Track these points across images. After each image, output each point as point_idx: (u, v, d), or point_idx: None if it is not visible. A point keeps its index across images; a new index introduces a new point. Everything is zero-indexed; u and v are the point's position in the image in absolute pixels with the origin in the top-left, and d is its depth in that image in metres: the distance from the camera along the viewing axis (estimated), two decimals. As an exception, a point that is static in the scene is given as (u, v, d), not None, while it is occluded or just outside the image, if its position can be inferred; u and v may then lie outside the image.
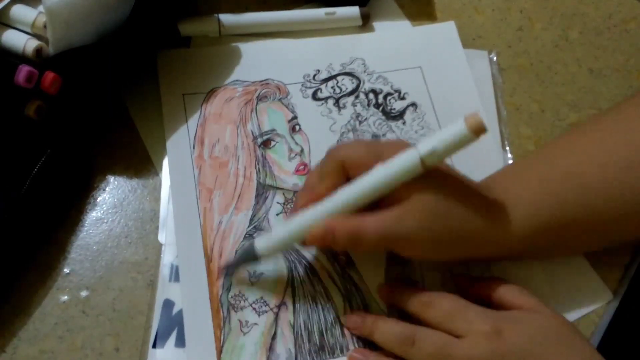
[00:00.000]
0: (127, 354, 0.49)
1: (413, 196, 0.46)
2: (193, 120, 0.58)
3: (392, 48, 0.63)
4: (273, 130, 0.58)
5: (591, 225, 0.49)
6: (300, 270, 0.52)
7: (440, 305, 0.46)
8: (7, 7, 0.53)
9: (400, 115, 0.59)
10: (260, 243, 0.49)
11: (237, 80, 0.60)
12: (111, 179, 0.57)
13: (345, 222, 0.46)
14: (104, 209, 0.55)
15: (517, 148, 0.59)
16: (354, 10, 0.64)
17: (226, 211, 0.54)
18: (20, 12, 0.53)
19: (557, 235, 0.49)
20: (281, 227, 0.49)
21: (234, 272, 0.51)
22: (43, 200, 0.53)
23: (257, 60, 0.62)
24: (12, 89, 0.49)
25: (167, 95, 0.59)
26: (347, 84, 0.61)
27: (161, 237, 0.54)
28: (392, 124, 0.59)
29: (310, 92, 0.60)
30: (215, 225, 0.53)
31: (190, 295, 0.50)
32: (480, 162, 0.55)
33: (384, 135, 0.58)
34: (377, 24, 0.65)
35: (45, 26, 0.52)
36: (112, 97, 0.59)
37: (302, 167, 0.56)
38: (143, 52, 0.60)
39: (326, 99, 0.60)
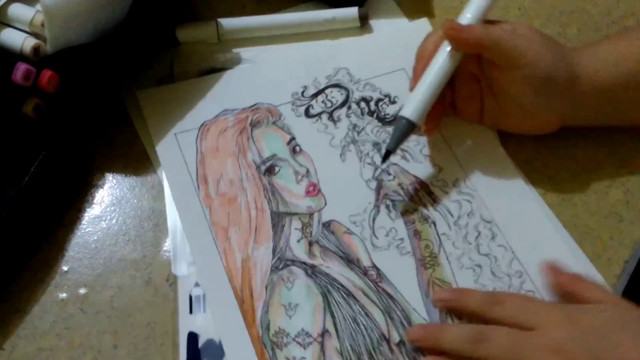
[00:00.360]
0: (125, 351, 0.49)
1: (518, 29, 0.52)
2: (191, 159, 0.57)
3: (373, 53, 0.63)
4: (274, 155, 0.57)
5: None
6: (335, 294, 0.51)
7: (511, 301, 0.47)
8: (5, 5, 0.53)
9: (395, 119, 0.59)
10: (409, 111, 0.52)
11: (226, 110, 0.59)
12: (109, 177, 0.57)
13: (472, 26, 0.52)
14: (102, 207, 0.55)
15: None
16: (352, 12, 0.64)
17: (246, 247, 0.52)
18: (18, 10, 0.53)
19: (629, 94, 0.53)
20: (419, 89, 0.52)
21: (396, 150, 0.53)
22: (41, 199, 0.53)
23: (242, 86, 0.61)
24: (9, 87, 0.50)
25: (159, 137, 0.58)
26: (337, 95, 0.60)
27: (176, 269, 0.53)
28: (390, 129, 0.59)
29: (302, 110, 0.60)
30: (238, 264, 0.52)
31: (230, 341, 0.49)
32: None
33: (383, 142, 0.58)
34: (375, 23, 0.65)
35: (43, 24, 0.52)
36: (109, 95, 0.59)
37: (311, 188, 0.55)
38: (141, 51, 0.61)
39: (319, 114, 0.59)
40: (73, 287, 0.52)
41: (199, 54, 0.63)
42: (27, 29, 0.53)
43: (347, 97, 0.60)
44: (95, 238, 0.54)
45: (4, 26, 0.53)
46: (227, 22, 0.63)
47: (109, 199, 0.56)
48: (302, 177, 0.56)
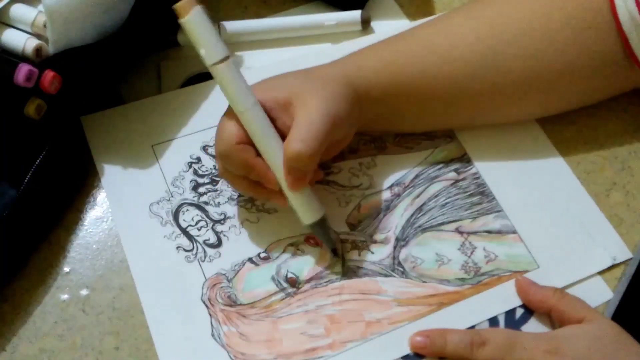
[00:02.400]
0: (126, 352, 0.49)
1: (290, 94, 0.49)
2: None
3: None
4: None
5: (435, 90, 0.53)
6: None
7: (495, 340, 0.47)
8: (7, 6, 0.53)
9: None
10: (309, 218, 0.51)
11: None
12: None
13: (289, 155, 0.47)
14: (104, 208, 0.55)
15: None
16: (355, 16, 0.64)
17: None
18: (20, 11, 0.53)
19: (407, 96, 0.53)
20: (290, 199, 0.50)
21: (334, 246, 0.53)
22: (43, 200, 0.53)
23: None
24: (12, 88, 0.49)
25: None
26: None
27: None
28: None
29: None
30: None
31: None
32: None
33: None
34: (376, 24, 0.65)
35: (45, 25, 0.52)
36: (111, 96, 0.59)
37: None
38: (142, 52, 0.61)
39: None
40: (74, 288, 0.52)
41: (190, 57, 0.63)
42: (29, 30, 0.53)
43: None
44: (97, 239, 0.54)
45: (6, 27, 0.53)
46: (230, 25, 0.63)
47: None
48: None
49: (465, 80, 0.53)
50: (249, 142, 0.49)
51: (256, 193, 0.52)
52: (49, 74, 0.50)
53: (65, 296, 0.52)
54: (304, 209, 0.50)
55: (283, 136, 0.49)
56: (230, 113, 0.50)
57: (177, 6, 0.47)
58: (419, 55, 0.53)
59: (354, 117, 0.51)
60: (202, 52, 0.48)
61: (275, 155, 0.49)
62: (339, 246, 0.53)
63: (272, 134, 0.49)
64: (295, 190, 0.49)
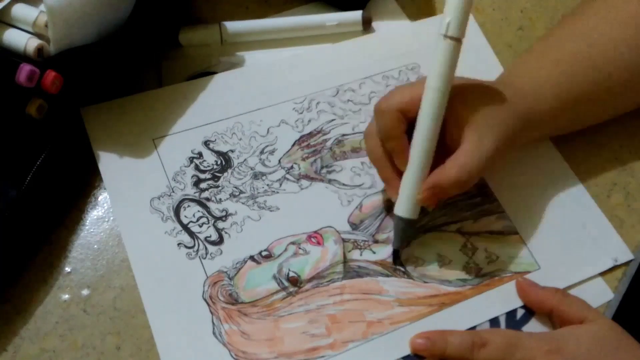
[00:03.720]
0: (128, 352, 0.49)
1: (472, 120, 0.49)
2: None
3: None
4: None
5: (599, 97, 0.54)
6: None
7: (496, 341, 0.47)
8: (9, 6, 0.53)
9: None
10: (403, 209, 0.50)
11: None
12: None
13: (444, 171, 0.48)
14: (105, 207, 0.55)
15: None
16: (356, 16, 0.64)
17: None
18: (22, 11, 0.53)
19: (572, 108, 0.54)
20: (408, 183, 0.50)
21: (400, 247, 0.53)
22: (44, 199, 0.53)
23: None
24: (13, 88, 0.49)
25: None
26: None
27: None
28: None
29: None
30: None
31: None
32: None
33: None
34: (377, 25, 0.65)
35: (46, 25, 0.52)
36: (112, 96, 0.59)
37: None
38: (144, 52, 0.61)
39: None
40: (76, 288, 0.52)
41: (191, 57, 0.63)
42: (31, 30, 0.53)
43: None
44: (98, 239, 0.54)
45: (8, 27, 0.53)
46: (231, 25, 0.63)
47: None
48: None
49: (619, 83, 0.54)
50: (408, 117, 0.49)
51: (379, 164, 0.52)
52: (50, 74, 0.50)
53: (66, 296, 0.52)
54: (410, 201, 0.50)
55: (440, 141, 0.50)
56: (416, 86, 0.50)
57: None
58: (583, 71, 0.54)
59: (515, 146, 0.52)
60: (447, 20, 0.47)
61: (424, 148, 0.49)
62: (401, 253, 0.53)
63: (436, 128, 0.49)
64: (424, 204, 0.50)
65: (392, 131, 0.50)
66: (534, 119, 0.52)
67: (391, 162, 0.51)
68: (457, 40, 0.48)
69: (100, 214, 0.55)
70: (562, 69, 0.54)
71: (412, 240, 0.54)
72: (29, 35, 0.52)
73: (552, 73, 0.54)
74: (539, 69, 0.54)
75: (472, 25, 0.65)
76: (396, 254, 0.53)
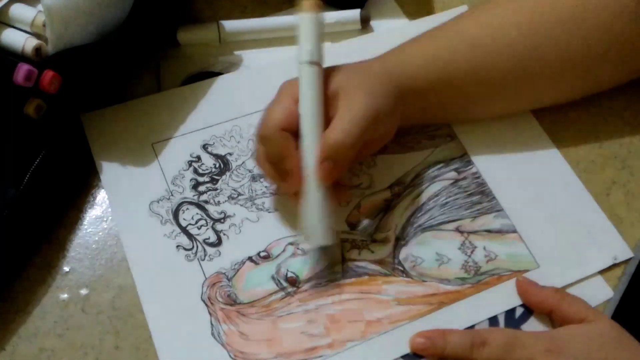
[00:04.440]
0: (126, 352, 0.49)
1: (339, 87, 0.50)
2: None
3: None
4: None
5: (479, 82, 0.54)
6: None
7: (495, 340, 0.47)
8: (7, 6, 0.53)
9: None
10: (320, 238, 0.50)
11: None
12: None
13: (327, 144, 0.48)
14: (104, 207, 0.55)
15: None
16: (354, 15, 0.64)
17: None
18: (20, 11, 0.53)
19: (447, 90, 0.54)
20: (314, 211, 0.49)
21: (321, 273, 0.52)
22: (42, 199, 0.53)
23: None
24: (11, 87, 0.49)
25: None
26: None
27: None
28: None
29: None
30: None
31: None
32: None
33: None
34: (375, 24, 0.65)
35: (44, 25, 0.52)
36: (111, 96, 0.59)
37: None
38: (142, 51, 0.60)
39: None
40: (74, 287, 0.52)
41: (190, 56, 0.63)
42: (29, 30, 0.53)
43: None
44: (97, 238, 0.54)
45: (6, 26, 0.53)
46: (229, 25, 0.63)
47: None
48: None
49: (508, 70, 0.54)
50: (292, 131, 0.49)
51: (280, 183, 0.52)
52: (48, 74, 0.50)
53: (64, 296, 0.52)
54: (321, 226, 0.50)
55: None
56: (280, 100, 0.51)
57: (309, 2, 0.50)
58: (463, 51, 0.54)
59: (396, 113, 0.52)
60: (304, 48, 0.50)
61: (314, 140, 0.49)
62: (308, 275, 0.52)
63: (319, 114, 0.49)
64: (325, 181, 0.49)
65: (283, 152, 0.49)
66: (402, 89, 0.52)
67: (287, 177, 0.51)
68: (316, 64, 0.50)
69: (98, 214, 0.55)
70: (436, 44, 0.54)
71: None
72: (27, 35, 0.52)
73: (425, 49, 0.54)
74: (414, 45, 0.55)
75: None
76: (291, 281, 0.52)
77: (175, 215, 0.55)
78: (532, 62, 0.54)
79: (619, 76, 0.57)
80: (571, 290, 0.52)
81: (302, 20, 0.50)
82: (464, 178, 0.57)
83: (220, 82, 0.61)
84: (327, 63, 0.61)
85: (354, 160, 0.53)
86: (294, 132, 0.50)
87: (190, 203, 0.55)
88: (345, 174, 0.51)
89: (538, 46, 0.53)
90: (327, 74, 0.51)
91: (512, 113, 0.58)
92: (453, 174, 0.57)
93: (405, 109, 0.53)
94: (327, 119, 0.50)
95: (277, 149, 0.49)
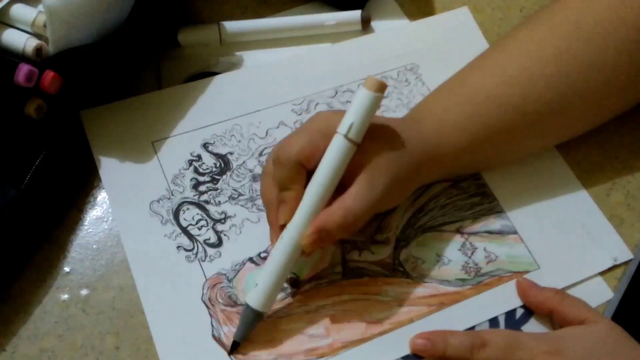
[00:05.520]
0: (127, 352, 0.49)
1: (366, 164, 0.48)
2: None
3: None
4: None
5: (511, 137, 0.53)
6: None
7: (495, 342, 0.47)
8: (7, 6, 0.53)
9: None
10: (255, 301, 0.48)
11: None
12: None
13: (330, 214, 0.47)
14: (104, 207, 0.55)
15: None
16: (355, 15, 0.64)
17: None
18: (20, 11, 0.53)
19: (482, 148, 0.53)
20: (267, 271, 0.48)
21: (243, 339, 0.49)
22: (42, 199, 0.53)
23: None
24: (12, 88, 0.49)
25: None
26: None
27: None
28: None
29: None
30: None
31: None
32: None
33: None
34: (376, 24, 0.65)
35: (45, 25, 0.52)
36: (111, 97, 0.59)
37: None
38: (143, 52, 0.60)
39: None
40: (75, 288, 0.52)
41: (190, 57, 0.63)
42: (29, 30, 0.53)
43: None
44: (97, 239, 0.54)
45: (6, 27, 0.53)
46: (230, 25, 0.63)
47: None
48: None
49: (535, 122, 0.53)
50: (307, 168, 0.48)
51: (269, 206, 0.51)
52: (49, 74, 0.50)
53: (65, 296, 0.52)
54: (266, 293, 0.48)
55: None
56: (311, 133, 0.48)
57: (374, 80, 0.47)
58: (493, 113, 0.52)
59: (412, 187, 0.53)
60: (349, 122, 0.47)
61: (312, 206, 0.47)
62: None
63: (329, 189, 0.47)
64: (307, 249, 0.47)
65: (289, 183, 0.48)
66: (437, 159, 0.51)
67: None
68: (354, 143, 0.47)
69: (99, 214, 0.55)
70: (466, 109, 0.52)
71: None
72: (27, 36, 0.52)
73: (456, 114, 0.52)
74: (444, 109, 0.53)
75: (472, 25, 0.65)
76: (235, 346, 0.49)
77: (176, 215, 0.55)
78: (560, 110, 0.52)
79: (628, 104, 0.56)
80: (571, 292, 0.52)
81: (361, 94, 0.47)
82: (465, 179, 0.57)
83: (221, 80, 0.61)
84: (327, 63, 0.62)
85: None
86: (311, 169, 0.48)
87: (191, 203, 0.55)
88: (329, 249, 0.51)
89: (564, 93, 0.52)
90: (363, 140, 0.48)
91: (540, 151, 0.58)
92: None
93: (435, 174, 0.54)
94: (341, 186, 0.48)
95: (287, 178, 0.48)
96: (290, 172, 0.48)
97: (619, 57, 0.51)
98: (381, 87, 0.47)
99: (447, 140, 0.52)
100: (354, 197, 0.47)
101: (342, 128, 0.47)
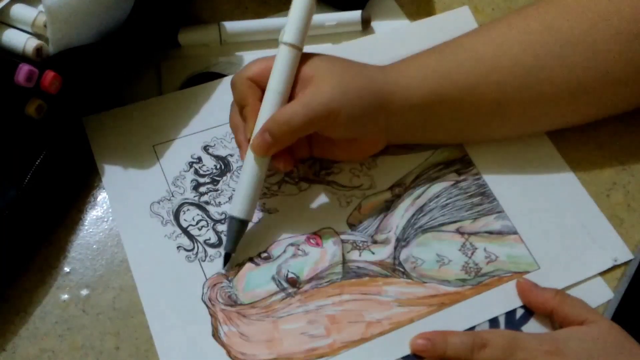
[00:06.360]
0: (127, 352, 0.49)
1: (316, 73, 0.51)
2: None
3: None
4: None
5: (477, 102, 0.53)
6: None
7: (496, 342, 0.47)
8: (8, 6, 0.53)
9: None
10: (237, 211, 0.51)
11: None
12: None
13: (274, 116, 0.50)
14: (104, 208, 0.55)
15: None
16: (355, 16, 0.64)
17: None
18: (21, 11, 0.53)
19: (446, 107, 0.53)
20: (242, 181, 0.51)
21: (233, 250, 0.52)
22: (42, 199, 0.53)
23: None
24: (12, 88, 0.49)
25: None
26: None
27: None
28: None
29: None
30: None
31: None
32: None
33: None
34: (376, 24, 0.65)
35: (45, 25, 0.52)
36: (111, 96, 0.59)
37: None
38: (143, 52, 0.61)
39: None
40: (75, 288, 0.52)
41: (190, 57, 0.63)
42: (30, 30, 0.53)
43: None
44: (97, 239, 0.54)
45: (7, 27, 0.53)
46: (230, 25, 0.63)
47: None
48: None
49: (509, 90, 0.52)
50: (260, 86, 0.51)
51: (234, 129, 0.54)
52: (49, 74, 0.50)
53: (65, 296, 0.52)
54: (246, 201, 0.51)
55: None
56: (264, 58, 0.52)
57: None
58: (465, 65, 0.52)
59: (373, 123, 0.52)
60: (285, 28, 0.51)
61: (267, 115, 0.50)
62: (231, 260, 0.52)
63: (282, 94, 0.51)
64: (257, 151, 0.50)
65: (244, 99, 0.51)
66: (394, 102, 0.52)
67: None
68: (295, 47, 0.51)
69: (99, 214, 0.55)
70: (433, 61, 0.53)
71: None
72: (28, 36, 0.52)
73: (422, 64, 0.53)
74: (413, 60, 0.54)
75: (472, 25, 0.65)
76: (227, 258, 0.52)
77: (176, 216, 0.55)
78: (539, 83, 0.52)
79: (636, 101, 0.56)
80: (571, 292, 0.52)
81: (294, 3, 0.51)
82: (465, 179, 0.57)
83: (221, 84, 0.61)
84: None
85: (308, 150, 0.55)
86: (262, 88, 0.51)
87: (191, 204, 0.55)
88: (280, 151, 0.51)
89: (546, 67, 0.52)
90: (313, 57, 0.52)
91: (518, 136, 0.57)
92: (454, 175, 0.57)
93: (396, 124, 0.53)
94: (292, 98, 0.51)
95: (241, 95, 0.51)
96: (244, 89, 0.51)
97: (611, 42, 0.51)
98: None
99: (407, 83, 0.52)
100: (298, 100, 0.50)
101: (283, 37, 0.51)
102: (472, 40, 0.54)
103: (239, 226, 0.51)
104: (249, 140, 0.51)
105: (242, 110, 0.52)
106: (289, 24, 0.51)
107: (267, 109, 0.50)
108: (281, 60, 0.50)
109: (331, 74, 0.51)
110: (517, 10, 0.55)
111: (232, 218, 0.51)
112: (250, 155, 0.51)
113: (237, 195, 0.51)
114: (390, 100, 0.52)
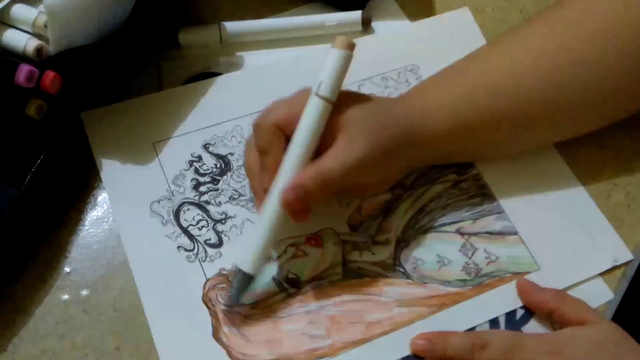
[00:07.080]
0: (127, 353, 0.49)
1: (347, 123, 0.49)
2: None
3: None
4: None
5: (499, 128, 0.53)
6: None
7: (496, 342, 0.47)
8: (8, 6, 0.53)
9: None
10: (248, 266, 0.49)
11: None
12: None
13: (306, 171, 0.48)
14: (105, 208, 0.55)
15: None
16: (355, 16, 0.64)
17: None
18: (21, 11, 0.53)
19: (469, 135, 0.53)
20: (258, 235, 0.49)
21: (237, 302, 0.50)
22: (43, 199, 0.53)
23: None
24: (12, 88, 0.49)
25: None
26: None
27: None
28: None
29: None
30: None
31: None
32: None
33: None
34: (377, 25, 0.65)
35: (45, 25, 0.52)
36: (112, 96, 0.59)
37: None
38: (143, 52, 0.61)
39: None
40: (75, 288, 0.52)
41: (191, 57, 0.63)
42: (30, 30, 0.53)
43: None
44: (98, 239, 0.54)
45: (7, 27, 0.53)
46: (230, 26, 0.63)
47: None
48: None
49: (529, 115, 0.52)
50: (284, 132, 0.49)
51: (250, 175, 0.52)
52: (49, 74, 0.50)
53: (65, 296, 0.52)
54: (257, 256, 0.49)
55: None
56: (290, 101, 0.50)
57: (342, 38, 0.49)
58: (483, 100, 0.52)
59: (399, 161, 0.52)
60: (319, 80, 0.49)
61: (292, 167, 0.48)
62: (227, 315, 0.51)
63: (309, 148, 0.49)
64: (288, 208, 0.48)
65: (268, 146, 0.49)
66: (422, 135, 0.51)
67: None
68: (329, 102, 0.49)
69: (99, 215, 0.55)
70: (457, 91, 0.53)
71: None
72: (28, 36, 0.53)
73: (446, 96, 0.53)
74: (435, 90, 0.53)
75: (472, 26, 0.65)
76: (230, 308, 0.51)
77: (176, 215, 0.55)
78: (554, 106, 0.52)
79: None
80: (572, 292, 0.52)
81: (330, 54, 0.49)
82: (465, 180, 0.57)
83: (221, 81, 0.61)
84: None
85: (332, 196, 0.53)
86: (288, 134, 0.49)
87: (191, 203, 0.55)
88: (308, 209, 0.49)
89: (560, 90, 0.52)
90: (342, 105, 0.50)
91: (533, 148, 0.57)
92: (454, 176, 0.57)
93: (422, 154, 0.53)
94: (321, 148, 0.49)
95: (265, 142, 0.49)
96: (268, 136, 0.49)
97: (620, 60, 0.51)
98: (350, 45, 0.49)
99: (433, 118, 0.52)
100: (331, 155, 0.48)
101: (316, 89, 0.49)
102: (486, 68, 0.53)
103: (246, 280, 0.49)
104: (265, 190, 0.49)
105: (263, 156, 0.50)
106: (327, 77, 0.49)
107: (293, 162, 0.48)
108: (313, 114, 0.48)
109: (362, 125, 0.49)
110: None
111: (240, 271, 0.49)
112: (271, 208, 0.48)
113: (251, 248, 0.49)
114: (420, 137, 0.52)
